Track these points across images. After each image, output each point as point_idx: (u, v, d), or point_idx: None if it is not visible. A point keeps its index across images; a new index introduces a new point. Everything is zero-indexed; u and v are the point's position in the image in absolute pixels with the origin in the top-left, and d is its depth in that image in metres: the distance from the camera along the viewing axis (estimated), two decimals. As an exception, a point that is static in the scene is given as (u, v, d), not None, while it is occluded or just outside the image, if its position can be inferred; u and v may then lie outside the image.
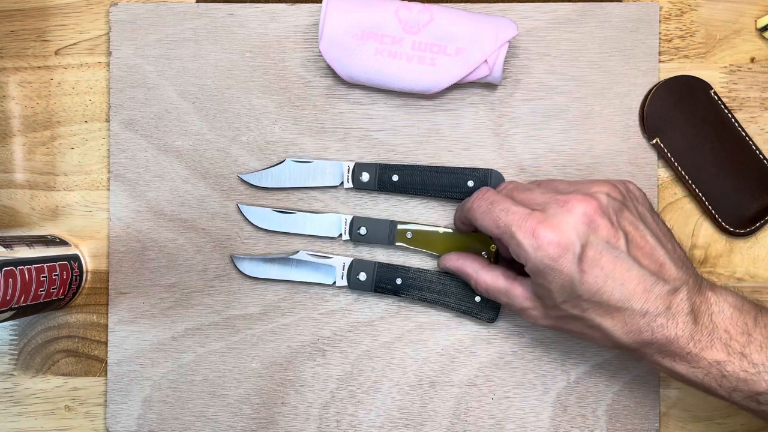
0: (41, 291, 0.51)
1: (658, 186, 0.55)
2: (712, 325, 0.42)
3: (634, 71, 0.55)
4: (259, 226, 0.55)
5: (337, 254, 0.56)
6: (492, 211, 0.46)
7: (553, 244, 0.42)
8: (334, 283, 0.55)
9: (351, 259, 0.55)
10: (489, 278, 0.49)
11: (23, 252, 0.50)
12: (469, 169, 0.54)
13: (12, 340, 0.57)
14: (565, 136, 0.55)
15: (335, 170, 0.55)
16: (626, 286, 0.42)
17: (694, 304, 0.43)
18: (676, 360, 0.43)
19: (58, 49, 0.57)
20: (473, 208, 0.48)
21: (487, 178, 0.54)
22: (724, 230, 0.55)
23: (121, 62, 0.56)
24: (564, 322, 0.46)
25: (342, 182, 0.55)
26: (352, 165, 0.55)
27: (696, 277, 0.45)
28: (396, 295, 0.54)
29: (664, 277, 0.43)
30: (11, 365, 0.57)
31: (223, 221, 0.56)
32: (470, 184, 0.54)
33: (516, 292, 0.48)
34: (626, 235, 0.43)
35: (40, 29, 0.57)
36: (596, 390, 0.55)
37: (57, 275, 0.52)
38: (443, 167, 0.55)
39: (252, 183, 0.55)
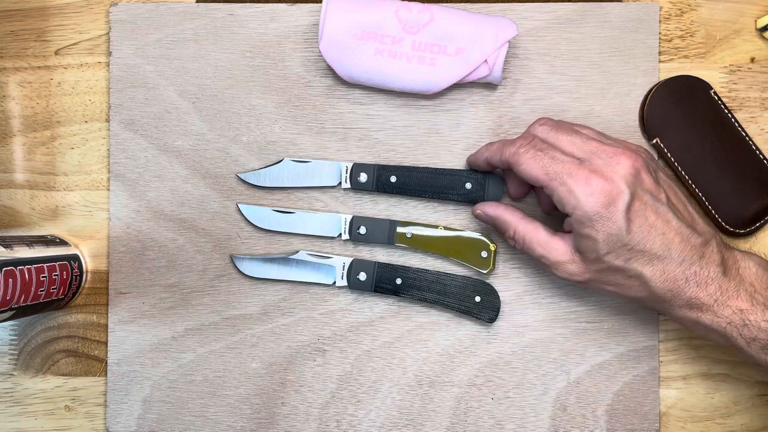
0: (41, 291, 0.51)
1: (658, 186, 0.55)
2: (739, 278, 0.46)
3: (634, 71, 0.55)
4: (259, 226, 0.55)
5: (337, 254, 0.56)
6: (540, 157, 0.47)
7: (606, 192, 0.45)
8: (334, 283, 0.55)
9: (351, 259, 0.55)
10: (529, 228, 0.50)
11: (23, 252, 0.50)
12: (468, 171, 0.54)
13: (12, 340, 0.57)
14: (565, 136, 0.55)
15: (333, 170, 0.55)
16: (666, 235, 0.45)
17: (724, 256, 0.46)
18: (702, 310, 0.46)
19: (58, 49, 0.57)
20: (519, 153, 0.48)
21: (485, 182, 0.54)
22: (724, 230, 0.55)
23: (121, 62, 0.56)
24: (603, 275, 0.47)
25: (340, 182, 0.55)
26: (350, 165, 0.55)
27: (720, 236, 0.48)
28: (396, 295, 0.54)
29: (697, 229, 0.46)
30: (11, 365, 0.57)
31: (223, 221, 0.56)
32: (468, 186, 0.54)
33: (555, 245, 0.48)
34: (665, 190, 0.46)
35: (40, 29, 0.57)
36: (596, 390, 0.55)
37: (57, 275, 0.52)
38: (441, 169, 0.55)
39: (250, 182, 0.55)
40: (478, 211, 0.53)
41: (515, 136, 0.55)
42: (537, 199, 0.55)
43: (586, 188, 0.45)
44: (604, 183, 0.45)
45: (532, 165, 0.47)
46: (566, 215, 0.47)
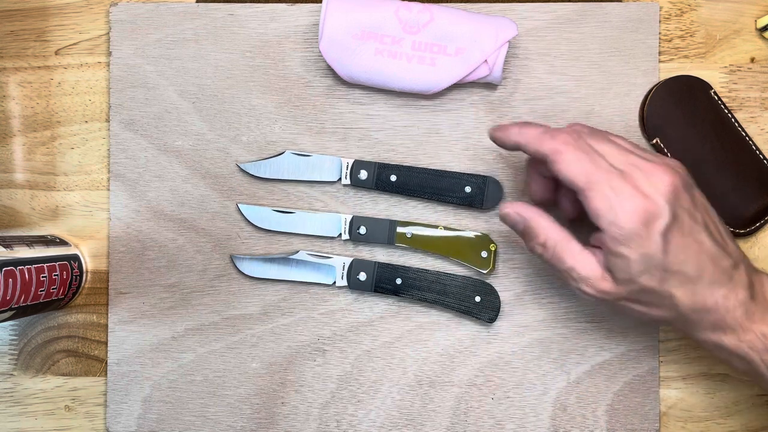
0: (41, 291, 0.51)
1: (658, 186, 0.55)
2: (766, 302, 0.44)
3: (634, 71, 0.55)
4: (259, 226, 0.55)
5: (337, 254, 0.56)
6: (584, 160, 0.43)
7: (646, 210, 0.42)
8: (334, 283, 0.55)
9: (351, 259, 0.55)
10: (561, 237, 0.46)
11: (23, 252, 0.50)
12: (468, 174, 0.54)
13: (12, 340, 0.57)
14: (565, 136, 0.55)
15: (334, 165, 0.55)
16: (700, 257, 0.43)
17: (751, 279, 0.44)
18: (726, 332, 0.44)
19: (58, 49, 0.57)
20: (560, 150, 0.44)
21: (485, 185, 0.54)
22: (724, 230, 0.55)
23: (121, 62, 0.56)
24: (633, 295, 0.44)
25: (340, 178, 0.55)
26: (351, 162, 0.55)
27: (748, 258, 0.46)
28: (396, 295, 0.54)
29: (727, 251, 0.44)
30: (11, 365, 0.57)
31: (223, 221, 0.56)
32: (467, 189, 0.54)
33: (585, 258, 0.45)
34: (700, 210, 0.44)
35: (40, 29, 0.57)
36: (596, 390, 0.55)
37: (57, 275, 0.52)
38: (441, 171, 0.55)
39: (250, 172, 0.55)
40: (508, 210, 0.47)
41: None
42: (558, 203, 0.51)
43: (625, 204, 0.42)
44: (643, 200, 0.42)
45: (575, 167, 0.43)
46: (595, 227, 0.44)
